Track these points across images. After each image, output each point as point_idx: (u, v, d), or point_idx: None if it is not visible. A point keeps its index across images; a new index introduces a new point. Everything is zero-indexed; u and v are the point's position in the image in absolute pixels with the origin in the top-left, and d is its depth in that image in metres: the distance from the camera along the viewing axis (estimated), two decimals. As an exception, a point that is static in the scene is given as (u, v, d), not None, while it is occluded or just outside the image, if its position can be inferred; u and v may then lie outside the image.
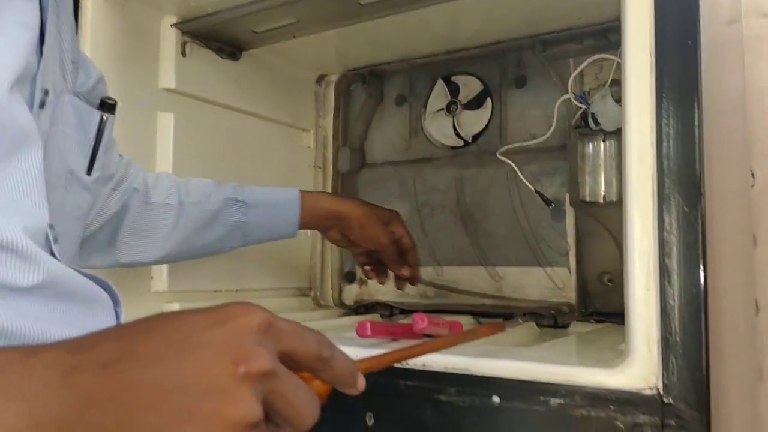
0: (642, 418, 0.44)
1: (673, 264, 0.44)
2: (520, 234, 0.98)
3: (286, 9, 0.84)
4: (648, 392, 0.45)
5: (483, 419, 0.50)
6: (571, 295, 0.93)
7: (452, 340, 0.50)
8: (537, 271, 0.97)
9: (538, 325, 0.91)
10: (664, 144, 0.45)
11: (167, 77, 0.89)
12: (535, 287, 0.97)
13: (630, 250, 0.47)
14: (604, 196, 0.92)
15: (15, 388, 0.27)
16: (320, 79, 1.16)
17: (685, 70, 0.45)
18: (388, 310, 1.07)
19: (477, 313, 0.99)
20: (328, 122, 1.15)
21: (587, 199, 0.93)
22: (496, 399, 0.50)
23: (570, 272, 0.94)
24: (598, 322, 0.90)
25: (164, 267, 0.87)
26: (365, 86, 1.13)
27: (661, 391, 0.44)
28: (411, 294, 1.07)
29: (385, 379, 0.55)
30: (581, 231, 0.93)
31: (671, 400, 0.44)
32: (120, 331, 0.31)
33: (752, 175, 1.11)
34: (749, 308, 1.09)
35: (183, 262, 0.89)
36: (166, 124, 0.88)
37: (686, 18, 0.46)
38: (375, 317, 1.02)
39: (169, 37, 0.89)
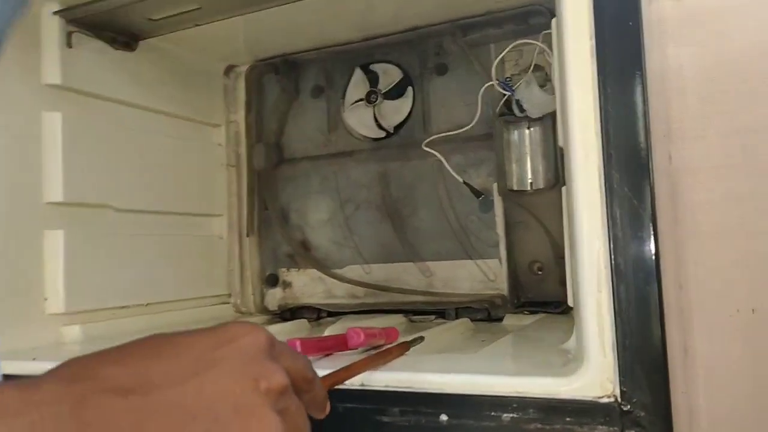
0: (600, 429, 0.41)
1: (626, 262, 0.41)
2: (448, 227, 0.95)
3: (185, -7, 0.76)
4: (605, 400, 0.42)
5: (431, 440, 0.46)
6: (503, 287, 0.91)
7: (363, 364, 0.47)
8: (468, 264, 0.94)
9: (472, 319, 0.89)
10: (611, 134, 0.42)
11: (51, 72, 0.78)
12: (466, 281, 0.94)
13: (579, 249, 0.44)
14: (531, 184, 0.90)
15: (27, 429, 0.24)
16: (228, 70, 1.08)
17: (628, 54, 0.42)
18: (315, 313, 1.02)
19: (409, 311, 0.96)
20: (240, 117, 1.07)
21: (515, 187, 0.90)
22: (443, 417, 0.46)
23: (501, 263, 0.91)
24: (531, 312, 0.89)
25: (60, 284, 0.77)
26: (278, 77, 1.06)
27: (620, 399, 0.41)
28: (339, 295, 1.02)
29: (321, 402, 0.50)
30: (510, 221, 0.91)
31: (630, 407, 0.41)
32: (114, 356, 0.28)
33: (669, 156, 1.13)
34: (677, 287, 1.11)
35: (84, 278, 0.80)
36: (52, 125, 0.78)
37: (626, -2, 0.43)
38: (302, 323, 0.96)
39: (51, 27, 0.78)
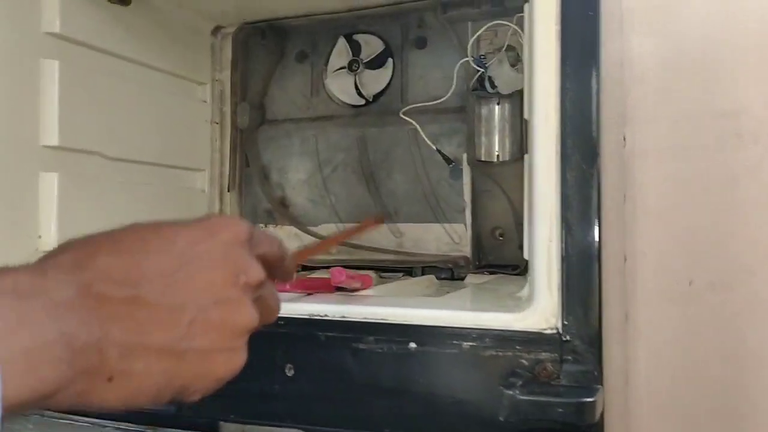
0: (544, 355, 0.49)
1: (573, 217, 0.49)
2: (420, 192, 1.02)
3: (185, -46, 0.80)
4: (549, 332, 0.50)
5: (401, 364, 0.54)
6: (466, 249, 0.99)
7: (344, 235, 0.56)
8: (436, 227, 1.01)
9: (436, 277, 0.96)
10: (568, 108, 0.49)
11: (51, 20, 0.81)
12: (433, 242, 1.01)
13: (534, 204, 0.51)
14: (498, 156, 0.98)
15: (42, 309, 0.27)
16: (216, 30, 1.12)
17: (587, 40, 0.49)
18: (290, 267, 1.08)
19: (379, 268, 1.03)
20: (226, 76, 1.12)
21: (483, 158, 0.98)
22: (412, 345, 0.53)
23: (466, 228, 0.99)
24: (491, 273, 0.97)
25: (53, 223, 0.81)
26: (264, 41, 1.10)
27: (561, 331, 0.49)
28: (313, 251, 1.08)
29: (304, 331, 0.57)
30: (476, 189, 0.99)
31: (569, 338, 0.49)
32: (107, 246, 0.31)
33: (624, 138, 1.22)
34: (621, 257, 1.22)
35: (74, 217, 0.85)
36: (50, 72, 0.81)
37: (589, -9, 0.50)
38: (278, 274, 1.03)
39: (51, -23, 0.81)
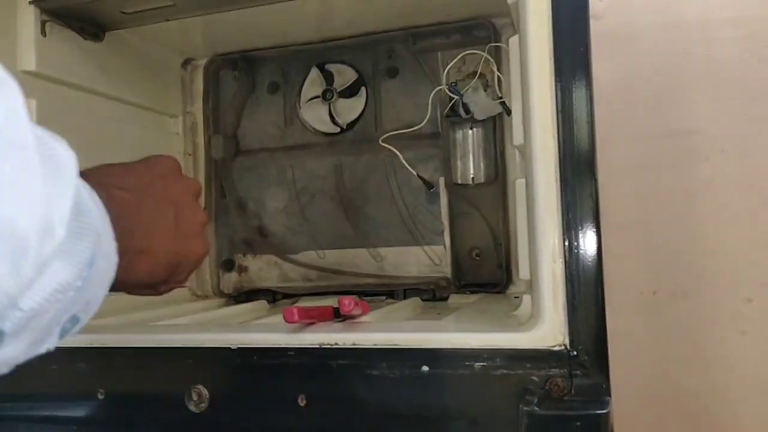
0: (553, 371, 0.52)
1: (576, 238, 0.52)
2: (398, 216, 1.04)
3: (163, -10, 0.80)
4: (557, 348, 0.52)
5: (414, 388, 0.55)
6: (446, 270, 1.02)
7: None
8: (416, 249, 1.04)
9: (421, 299, 0.98)
10: (565, 137, 0.53)
11: (27, 59, 0.80)
12: (414, 265, 1.04)
13: (537, 228, 0.54)
14: (473, 179, 1.01)
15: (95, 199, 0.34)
16: (186, 62, 1.12)
17: (579, 73, 0.53)
18: (271, 295, 1.08)
19: (360, 292, 1.04)
20: (197, 108, 1.12)
21: (459, 181, 1.01)
22: (425, 368, 0.55)
23: (445, 249, 1.02)
24: (472, 292, 1.00)
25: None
26: (236, 72, 1.11)
27: (568, 346, 0.52)
28: (294, 278, 1.09)
29: (315, 360, 0.58)
30: (454, 211, 1.02)
31: (576, 353, 0.52)
32: (113, 171, 0.43)
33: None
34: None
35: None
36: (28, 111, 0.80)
37: (577, 26, 0.54)
38: (262, 303, 1.03)
39: (27, 15, 0.80)
